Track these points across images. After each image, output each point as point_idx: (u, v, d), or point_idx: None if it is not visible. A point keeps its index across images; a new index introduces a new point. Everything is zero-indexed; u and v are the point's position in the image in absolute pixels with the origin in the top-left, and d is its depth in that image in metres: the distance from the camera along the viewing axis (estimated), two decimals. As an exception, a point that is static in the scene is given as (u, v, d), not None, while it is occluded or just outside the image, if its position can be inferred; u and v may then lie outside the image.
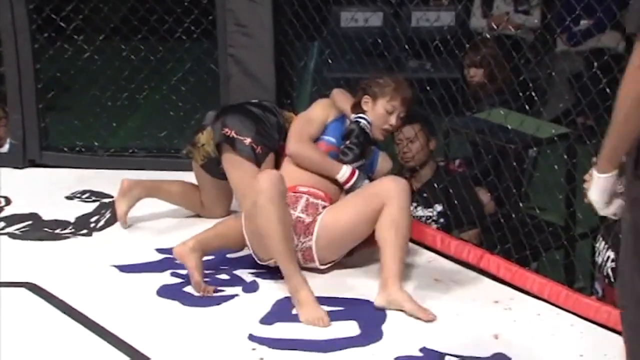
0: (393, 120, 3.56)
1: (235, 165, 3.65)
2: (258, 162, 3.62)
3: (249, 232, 3.35)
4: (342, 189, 3.55)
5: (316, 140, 3.57)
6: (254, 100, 3.85)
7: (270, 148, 3.67)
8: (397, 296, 3.17)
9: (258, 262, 3.42)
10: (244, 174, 3.60)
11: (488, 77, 4.56)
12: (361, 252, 3.49)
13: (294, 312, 3.19)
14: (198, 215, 3.91)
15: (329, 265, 3.45)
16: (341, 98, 3.66)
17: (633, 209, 2.17)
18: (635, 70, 2.06)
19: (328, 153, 3.54)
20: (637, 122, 2.10)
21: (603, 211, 2.32)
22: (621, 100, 2.11)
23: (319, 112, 3.60)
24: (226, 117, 3.70)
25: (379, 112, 3.55)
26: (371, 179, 3.59)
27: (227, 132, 3.64)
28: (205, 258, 3.47)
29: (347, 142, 3.54)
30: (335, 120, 3.59)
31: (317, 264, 3.42)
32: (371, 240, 3.36)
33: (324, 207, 3.45)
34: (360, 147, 3.53)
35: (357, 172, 3.52)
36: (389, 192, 3.28)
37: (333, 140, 3.57)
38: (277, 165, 3.66)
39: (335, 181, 3.52)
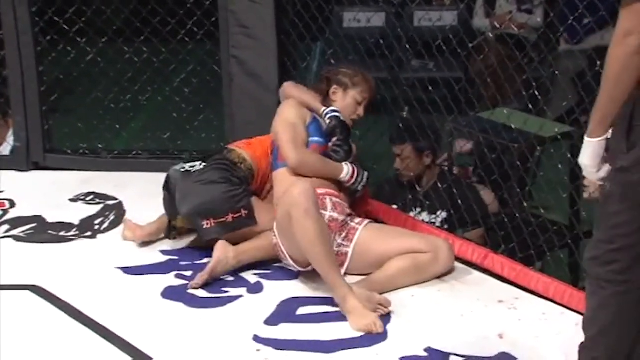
0: (361, 111, 3.59)
1: (241, 235, 3.52)
2: (251, 220, 3.51)
3: (286, 242, 3.30)
4: (341, 186, 3.55)
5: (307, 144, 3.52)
6: (200, 167, 3.58)
7: (247, 200, 3.53)
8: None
9: (298, 269, 3.38)
10: (246, 233, 3.51)
11: (491, 76, 4.55)
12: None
13: (298, 312, 3.19)
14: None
15: (352, 274, 3.40)
16: (297, 92, 3.60)
17: (620, 177, 2.33)
18: (624, 34, 2.21)
19: (321, 154, 3.52)
20: (626, 86, 2.26)
21: (593, 175, 2.44)
22: (610, 65, 2.25)
23: (295, 115, 3.52)
24: (191, 208, 3.50)
25: (349, 102, 3.56)
26: None
27: (207, 225, 3.48)
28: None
29: (335, 139, 3.53)
30: (312, 120, 3.55)
31: (343, 271, 3.38)
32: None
33: (341, 204, 3.45)
34: (347, 143, 3.54)
35: (356, 169, 3.52)
36: (438, 250, 3.34)
37: (321, 140, 3.54)
38: (260, 195, 3.65)
39: (334, 180, 3.52)
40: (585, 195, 3.10)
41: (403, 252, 3.32)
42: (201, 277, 3.37)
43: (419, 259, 3.33)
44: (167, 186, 3.62)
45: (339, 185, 3.53)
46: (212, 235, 3.49)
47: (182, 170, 3.61)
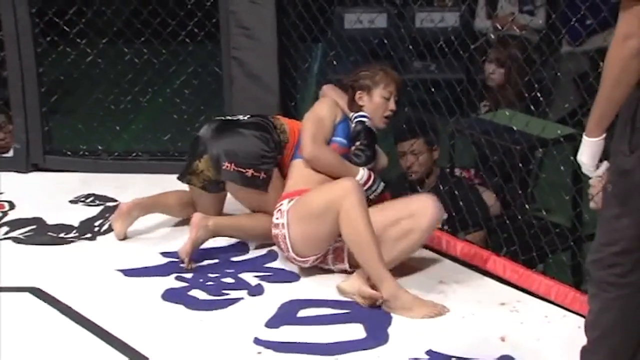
0: (392, 105, 3.59)
1: (243, 196, 3.69)
2: (265, 185, 3.62)
3: (298, 233, 3.34)
4: None
5: (329, 142, 3.54)
6: (245, 118, 3.76)
7: (272, 166, 3.64)
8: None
9: (297, 263, 3.42)
10: (249, 199, 3.68)
11: (507, 79, 4.55)
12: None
13: (299, 315, 3.18)
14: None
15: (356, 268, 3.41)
16: (336, 95, 3.65)
17: (621, 180, 2.35)
18: (623, 37, 2.23)
19: (342, 156, 3.52)
20: (625, 88, 2.29)
21: (592, 173, 2.48)
22: (609, 67, 2.28)
23: (327, 111, 3.55)
24: (222, 148, 3.63)
25: (377, 101, 3.57)
26: None
27: (227, 167, 3.61)
28: (209, 262, 3.47)
29: (358, 143, 3.53)
30: (342, 120, 3.57)
31: (346, 266, 3.42)
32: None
33: None
34: (371, 149, 3.54)
35: (372, 176, 3.52)
36: (421, 209, 3.33)
37: (345, 141, 3.55)
38: (282, 171, 3.67)
39: None
40: (592, 205, 3.12)
41: (388, 224, 3.32)
42: (184, 250, 3.43)
43: (406, 225, 3.32)
44: (198, 136, 3.73)
45: None
46: (226, 177, 3.62)
47: (227, 118, 3.81)
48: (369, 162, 3.54)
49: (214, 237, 3.61)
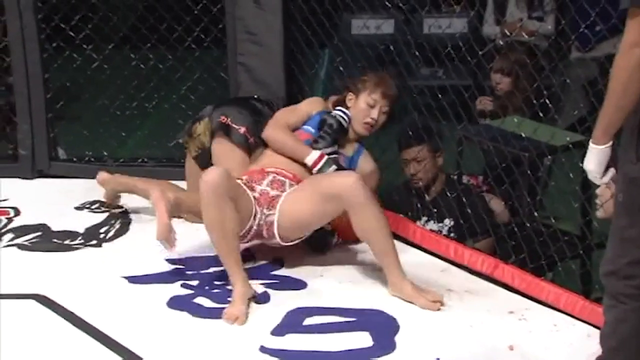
0: (375, 113, 3.65)
1: (225, 150, 3.78)
2: (250, 151, 3.75)
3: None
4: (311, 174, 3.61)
5: (296, 129, 3.69)
6: (255, 95, 4.01)
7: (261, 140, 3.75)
8: (404, 288, 3.31)
9: (280, 241, 3.48)
10: (232, 160, 3.73)
11: (514, 85, 4.53)
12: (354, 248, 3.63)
13: (305, 323, 3.16)
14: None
15: (292, 243, 3.51)
16: (335, 98, 3.80)
17: (630, 188, 2.35)
18: (630, 45, 2.25)
19: (305, 141, 3.64)
20: (632, 96, 2.29)
21: (598, 181, 2.49)
22: (616, 75, 2.29)
23: (304, 104, 3.78)
24: (224, 106, 3.86)
25: (361, 106, 3.67)
26: None
27: (223, 119, 3.78)
28: (215, 269, 3.45)
29: (321, 131, 3.64)
30: (318, 113, 3.71)
31: (279, 241, 3.47)
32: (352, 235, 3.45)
33: (291, 185, 3.51)
34: (332, 136, 3.62)
35: (325, 157, 3.58)
36: (347, 197, 3.31)
37: (311, 130, 3.69)
38: None
39: (306, 168, 3.58)
40: (599, 214, 3.10)
41: (319, 213, 3.39)
42: (162, 222, 3.43)
43: (358, 223, 3.33)
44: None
45: (308, 171, 3.59)
46: (218, 128, 3.78)
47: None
48: (326, 147, 3.60)
49: (177, 213, 3.66)
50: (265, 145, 3.73)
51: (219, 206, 3.24)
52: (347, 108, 3.68)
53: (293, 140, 3.63)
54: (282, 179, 3.53)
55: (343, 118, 3.64)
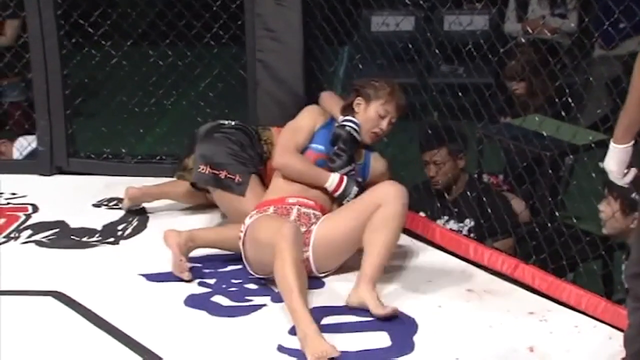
0: (384, 124, 3.55)
1: (219, 199, 3.73)
2: (240, 189, 3.64)
3: (251, 252, 3.35)
4: (333, 197, 3.52)
5: (305, 149, 3.55)
6: (231, 123, 3.85)
7: (249, 172, 3.67)
8: (365, 295, 3.16)
9: (317, 273, 3.40)
10: (228, 205, 3.69)
11: (529, 89, 4.48)
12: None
13: (323, 322, 3.13)
14: (224, 216, 3.87)
15: (327, 273, 3.42)
16: (330, 102, 3.66)
17: None
18: None
19: (316, 161, 3.52)
20: None
21: (619, 181, 2.47)
22: (638, 74, 2.30)
23: (305, 120, 3.59)
24: (200, 151, 3.73)
25: (371, 115, 3.54)
26: (365, 181, 3.57)
27: (202, 169, 3.69)
28: (233, 267, 3.43)
29: (335, 148, 3.52)
30: (323, 127, 3.58)
31: (315, 273, 3.38)
32: None
33: (316, 215, 3.43)
34: (348, 153, 3.52)
35: (345, 179, 3.49)
36: (387, 195, 3.27)
37: (321, 147, 3.55)
38: (265, 184, 3.67)
39: (325, 189, 3.50)
40: (605, 231, 3.09)
41: (360, 223, 3.27)
42: (179, 263, 3.41)
43: (377, 218, 3.25)
44: (194, 133, 3.85)
45: (326, 193, 3.51)
46: (200, 179, 3.72)
47: (216, 123, 3.88)
48: (345, 166, 3.51)
49: (194, 248, 3.53)
50: (253, 173, 3.66)
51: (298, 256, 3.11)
52: (353, 112, 3.56)
53: (308, 167, 3.49)
54: (307, 210, 3.43)
55: (354, 129, 3.52)
